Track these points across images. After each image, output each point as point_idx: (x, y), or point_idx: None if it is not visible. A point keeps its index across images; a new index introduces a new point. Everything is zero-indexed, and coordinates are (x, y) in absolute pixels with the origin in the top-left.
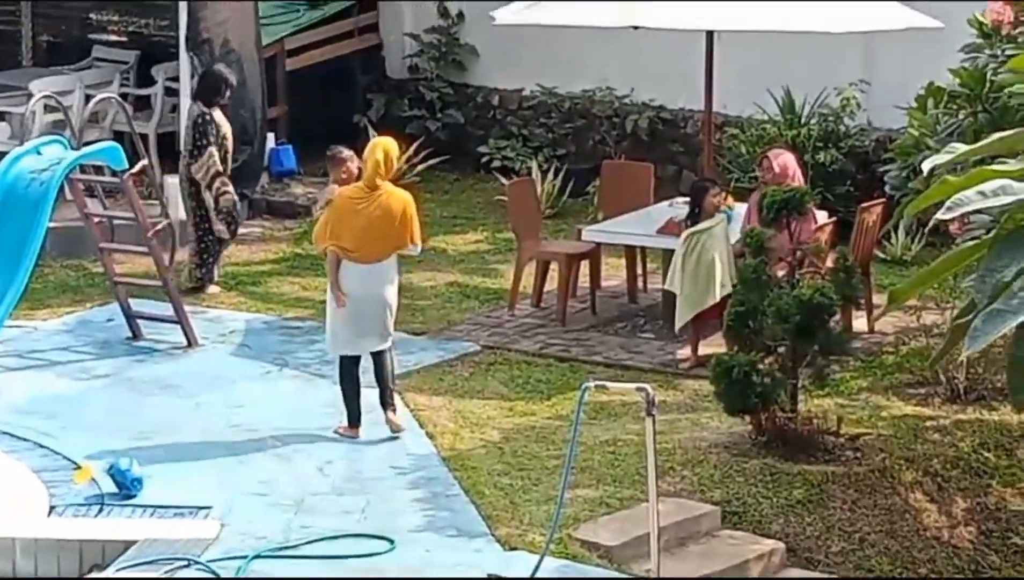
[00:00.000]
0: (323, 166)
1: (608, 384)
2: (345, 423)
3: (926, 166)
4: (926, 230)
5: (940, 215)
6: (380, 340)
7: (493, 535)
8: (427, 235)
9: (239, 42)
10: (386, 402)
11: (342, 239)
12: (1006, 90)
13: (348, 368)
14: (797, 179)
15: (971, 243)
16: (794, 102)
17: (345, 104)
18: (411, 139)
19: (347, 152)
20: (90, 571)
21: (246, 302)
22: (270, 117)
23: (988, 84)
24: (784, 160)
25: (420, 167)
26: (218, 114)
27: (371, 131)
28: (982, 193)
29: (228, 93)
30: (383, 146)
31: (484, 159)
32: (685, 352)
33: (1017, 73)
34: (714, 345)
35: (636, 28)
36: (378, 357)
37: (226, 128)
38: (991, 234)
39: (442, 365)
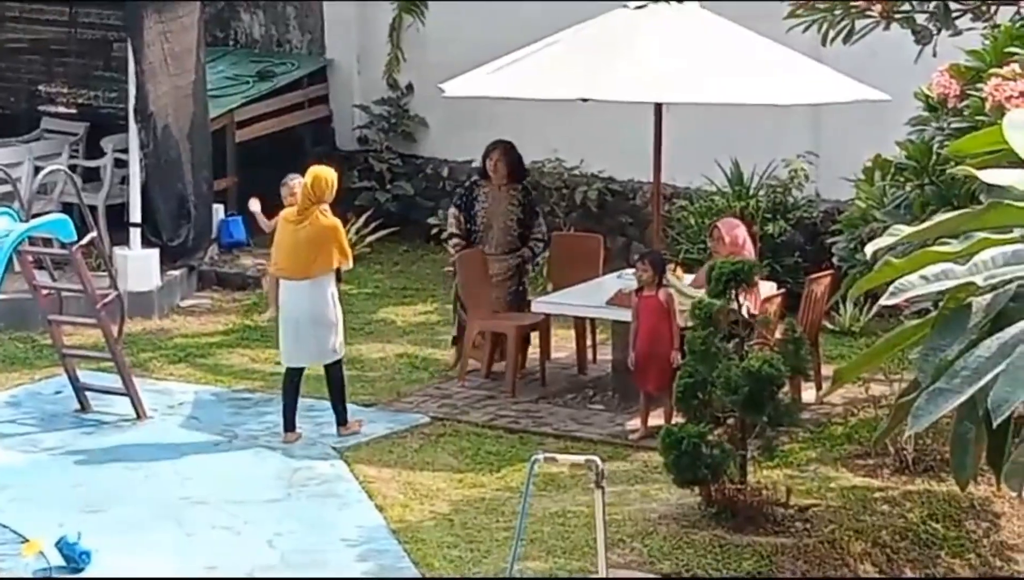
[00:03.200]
0: (272, 237)
1: (557, 456)
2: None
3: (868, 250)
4: (874, 302)
5: (883, 301)
6: (318, 355)
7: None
8: (377, 307)
9: (175, 116)
10: (338, 418)
11: (278, 257)
12: (956, 169)
13: (289, 378)
14: (748, 250)
15: (914, 322)
16: (742, 173)
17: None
18: (361, 211)
19: (296, 180)
20: None
21: (195, 374)
22: (220, 188)
23: (935, 157)
24: (736, 231)
25: (370, 238)
26: None
27: None
28: (924, 278)
29: None
30: (313, 173)
31: (434, 230)
32: (635, 423)
33: (958, 155)
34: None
35: (585, 100)
36: (326, 371)
37: None
38: (934, 312)
39: (392, 437)
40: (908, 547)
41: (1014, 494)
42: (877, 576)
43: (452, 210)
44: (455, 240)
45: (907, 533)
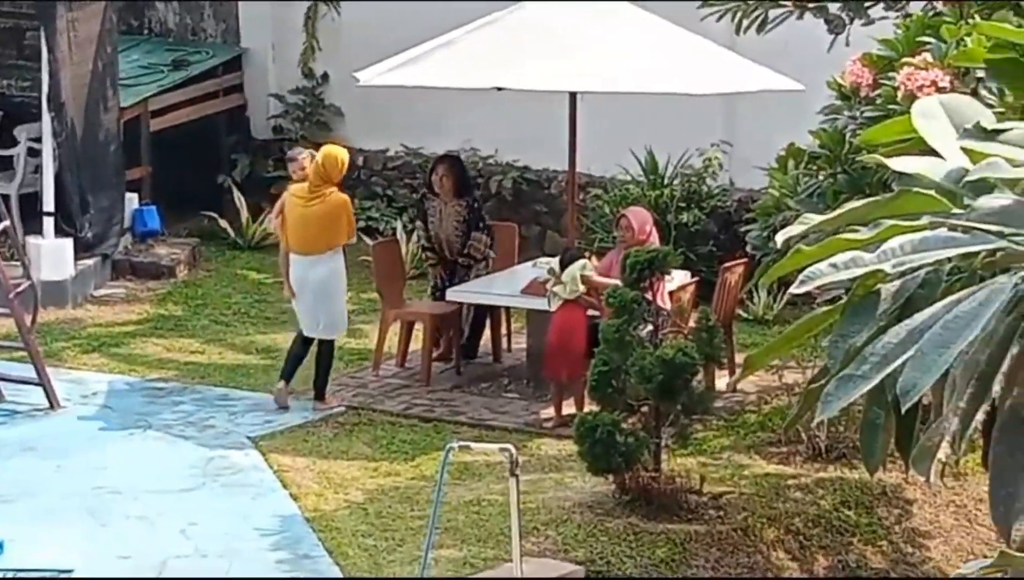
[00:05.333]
0: (187, 226)
1: (472, 444)
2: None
3: (779, 238)
4: (787, 290)
5: (792, 289)
6: (329, 328)
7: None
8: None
9: (87, 105)
10: (316, 392)
11: (288, 232)
12: (866, 157)
13: (296, 339)
14: (654, 239)
15: (824, 309)
16: (657, 163)
17: (209, 164)
18: (275, 200)
19: (303, 154)
20: None
21: (109, 363)
22: (134, 178)
23: (847, 145)
24: (642, 218)
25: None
26: None
27: (235, 192)
28: (834, 265)
29: None
30: (325, 152)
31: None
32: (549, 412)
33: (869, 144)
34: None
35: (500, 89)
36: (319, 344)
37: None
38: (844, 299)
39: (307, 426)
40: (821, 534)
41: (922, 479)
42: (790, 563)
43: (419, 224)
44: (426, 253)
45: (820, 520)
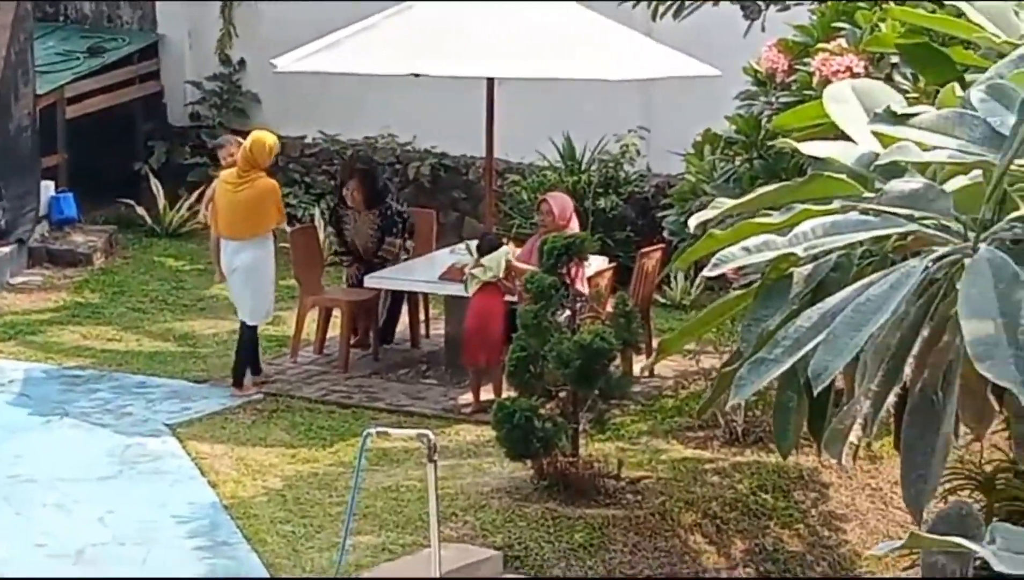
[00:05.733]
0: (103, 213)
1: (389, 430)
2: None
3: (692, 223)
4: (704, 275)
5: (705, 273)
6: (257, 313)
7: (275, 578)
8: (209, 283)
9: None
10: (234, 378)
11: (218, 218)
12: (778, 141)
13: (245, 331)
14: (574, 225)
15: (737, 293)
16: (574, 148)
17: (126, 152)
18: (193, 187)
19: (230, 139)
20: None
21: (25, 351)
22: (50, 165)
23: (763, 131)
24: (563, 203)
25: (202, 215)
26: None
27: (152, 179)
28: (746, 249)
29: None
30: (253, 137)
31: None
32: (467, 397)
33: (782, 129)
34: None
35: (417, 76)
36: (240, 331)
37: None
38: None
39: (224, 412)
40: (738, 518)
41: (834, 461)
42: (707, 546)
43: (330, 229)
44: (340, 257)
45: (737, 504)
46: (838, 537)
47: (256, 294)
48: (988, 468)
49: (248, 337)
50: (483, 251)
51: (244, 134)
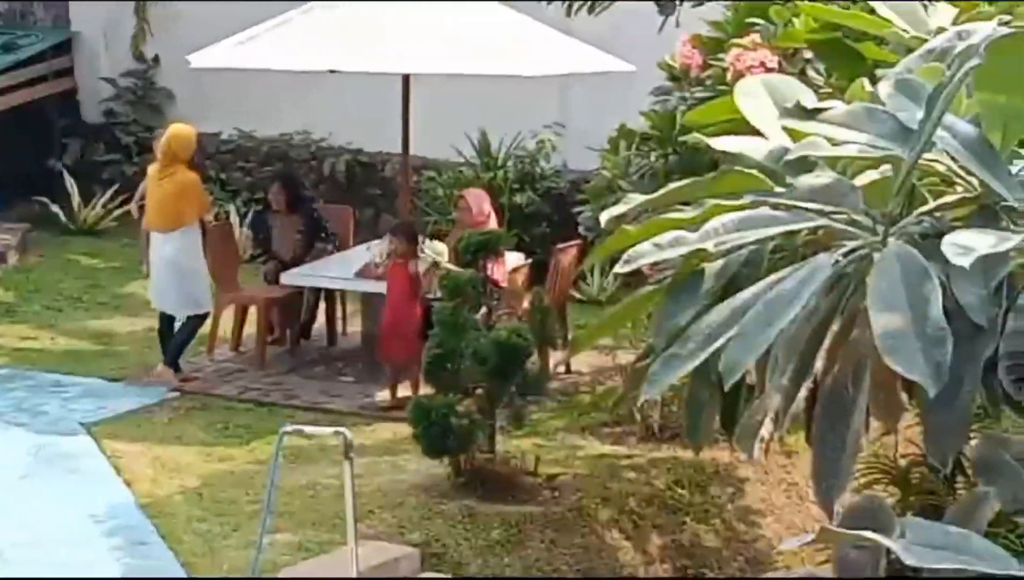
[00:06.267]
0: (17, 211)
1: (306, 428)
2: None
3: (603, 218)
4: (616, 271)
5: (616, 269)
6: (182, 305)
7: (191, 578)
8: (125, 281)
9: None
10: (168, 359)
11: (147, 211)
12: (689, 137)
13: (162, 321)
14: (492, 221)
15: (649, 289)
16: (490, 145)
17: (40, 149)
18: (108, 184)
19: (163, 133)
20: None
21: None
22: None
23: (678, 126)
24: (482, 202)
25: (117, 212)
26: None
27: (67, 176)
28: (657, 245)
29: None
30: (172, 131)
31: None
32: (384, 395)
33: (695, 124)
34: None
35: (333, 72)
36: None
37: None
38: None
39: (140, 411)
40: (654, 513)
41: (745, 456)
42: (624, 542)
43: (248, 232)
44: (260, 256)
45: (653, 500)
46: (754, 532)
47: (183, 287)
48: (903, 462)
49: (188, 327)
50: (398, 236)
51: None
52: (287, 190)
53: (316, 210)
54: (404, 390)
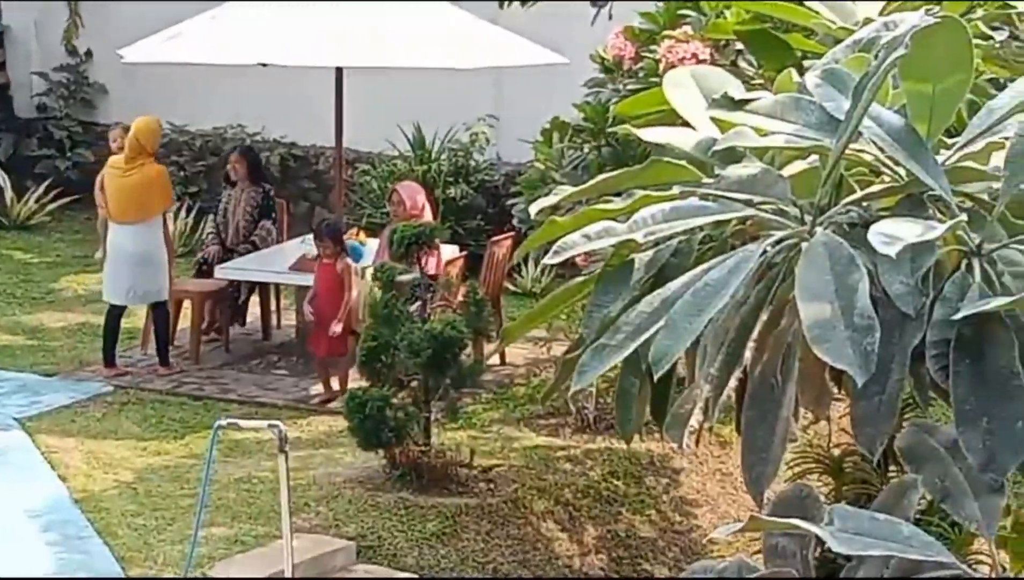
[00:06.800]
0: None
1: (240, 422)
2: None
3: (532, 210)
4: (545, 262)
5: (546, 260)
6: (144, 296)
7: (127, 576)
8: (57, 276)
9: None
10: (160, 360)
11: (108, 203)
12: (619, 128)
13: (110, 314)
14: (427, 214)
15: (579, 279)
16: (424, 138)
17: None
18: (41, 179)
19: (115, 128)
20: None
21: None
22: None
23: (610, 118)
24: (416, 195)
25: (50, 207)
26: None
27: None
28: (586, 236)
29: None
30: (139, 124)
31: None
32: (319, 388)
33: (625, 116)
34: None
35: (266, 65)
36: (154, 312)
37: None
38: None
39: (74, 406)
40: (590, 504)
41: (682, 447)
42: (560, 533)
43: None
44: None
45: (589, 491)
46: (689, 522)
47: (149, 278)
48: (837, 452)
49: (163, 316)
50: (323, 236)
51: (91, 125)
52: (247, 158)
53: (271, 188)
54: (337, 384)
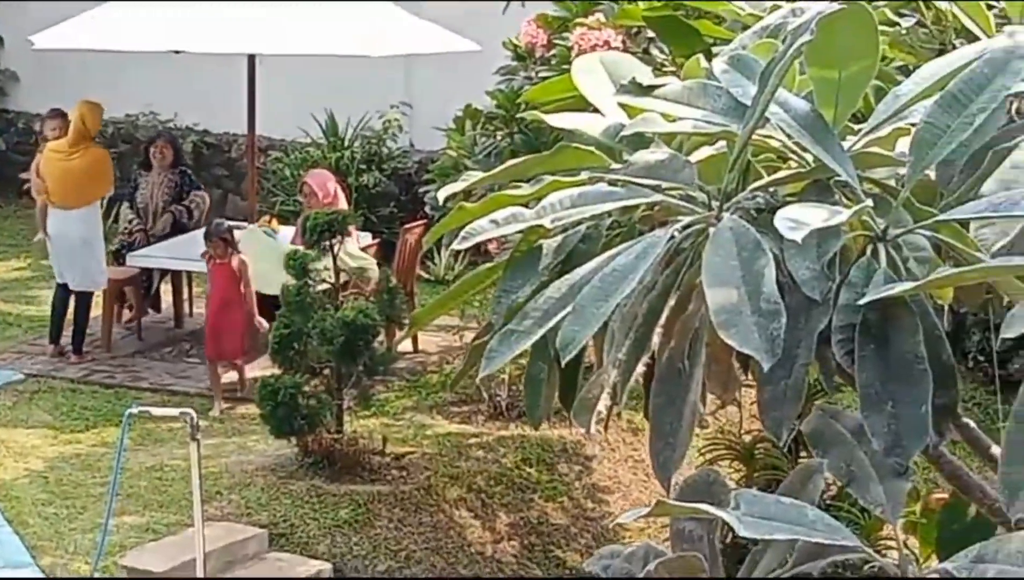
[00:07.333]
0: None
1: (152, 410)
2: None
3: (440, 196)
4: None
5: (455, 245)
6: (87, 281)
7: (38, 565)
8: None
9: None
10: (74, 344)
11: (48, 187)
12: (529, 114)
13: (57, 295)
14: (341, 201)
15: (487, 265)
16: (337, 125)
17: None
18: None
19: (55, 113)
20: None
21: None
22: None
23: (522, 105)
24: (324, 181)
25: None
26: None
27: None
28: (494, 222)
29: None
30: (83, 108)
31: (26, 186)
32: (232, 376)
33: (535, 102)
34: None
35: (178, 52)
36: (76, 298)
37: None
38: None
39: None
40: (503, 491)
41: (594, 433)
42: (472, 521)
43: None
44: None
45: (501, 478)
46: (601, 509)
47: (89, 262)
48: (748, 438)
49: (85, 304)
50: (212, 239)
51: (3, 113)
52: (173, 145)
53: (190, 171)
54: (252, 370)
